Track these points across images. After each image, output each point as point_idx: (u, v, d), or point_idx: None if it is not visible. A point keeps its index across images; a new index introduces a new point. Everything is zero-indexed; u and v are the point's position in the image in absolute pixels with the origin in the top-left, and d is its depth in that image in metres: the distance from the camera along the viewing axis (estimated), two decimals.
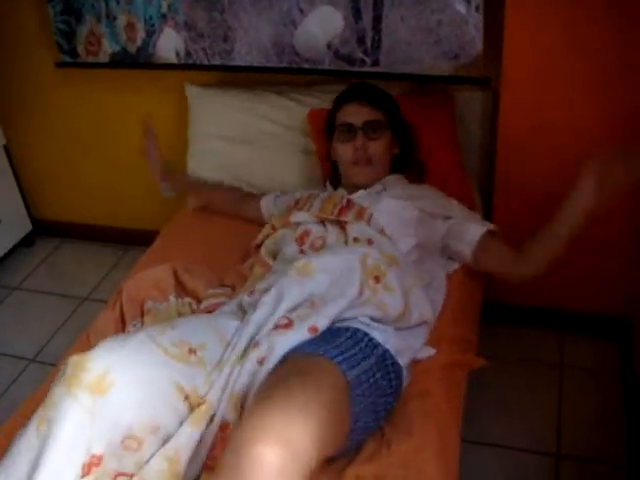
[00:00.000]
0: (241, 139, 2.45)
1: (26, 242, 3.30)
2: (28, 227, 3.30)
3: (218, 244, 2.24)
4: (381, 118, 1.99)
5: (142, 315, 1.90)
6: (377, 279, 1.68)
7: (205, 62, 2.44)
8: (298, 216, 1.96)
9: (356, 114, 1.98)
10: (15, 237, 3.22)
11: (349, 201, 1.93)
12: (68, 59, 2.68)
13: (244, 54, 2.37)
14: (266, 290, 1.65)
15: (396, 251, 1.80)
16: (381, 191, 1.99)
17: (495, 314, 2.32)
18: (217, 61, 2.42)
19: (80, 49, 2.63)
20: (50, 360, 2.60)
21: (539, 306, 2.45)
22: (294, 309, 1.59)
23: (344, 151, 2.00)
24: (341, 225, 1.89)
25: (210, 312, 1.77)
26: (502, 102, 2.11)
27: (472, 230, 1.87)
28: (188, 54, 2.46)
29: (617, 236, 2.23)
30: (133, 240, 3.16)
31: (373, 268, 1.69)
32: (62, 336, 2.74)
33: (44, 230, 3.36)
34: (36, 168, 3.21)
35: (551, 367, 2.37)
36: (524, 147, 2.13)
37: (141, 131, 2.76)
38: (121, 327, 1.89)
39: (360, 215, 1.87)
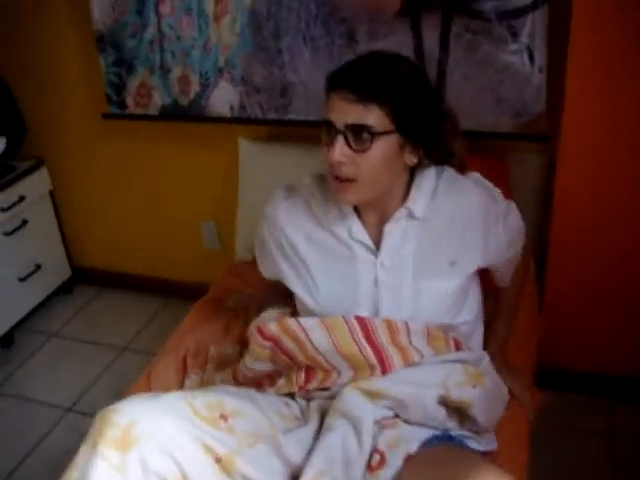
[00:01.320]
0: None
1: (65, 289, 3.28)
2: (68, 274, 3.29)
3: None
4: (375, 121, 1.39)
5: (205, 364, 1.90)
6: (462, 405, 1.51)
7: (260, 116, 2.44)
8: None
9: (338, 110, 1.42)
10: (54, 283, 3.21)
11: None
12: (116, 110, 2.67)
13: (301, 109, 2.36)
14: (329, 410, 1.49)
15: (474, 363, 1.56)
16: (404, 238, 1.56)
17: (545, 378, 2.28)
18: (273, 115, 2.42)
19: (129, 101, 2.63)
20: (87, 410, 2.57)
21: (589, 371, 2.40)
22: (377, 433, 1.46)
23: (327, 156, 1.46)
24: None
25: (256, 384, 1.67)
26: (560, 166, 2.10)
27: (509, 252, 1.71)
28: (242, 108, 2.45)
29: None
30: (173, 291, 3.14)
31: (456, 401, 1.49)
32: (99, 386, 2.71)
33: (83, 277, 3.34)
34: (79, 216, 3.21)
35: (603, 435, 2.31)
36: (583, 219, 2.11)
37: (187, 186, 2.79)
38: (182, 374, 1.89)
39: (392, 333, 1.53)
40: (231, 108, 2.47)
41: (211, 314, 2.15)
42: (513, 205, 1.70)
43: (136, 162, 2.91)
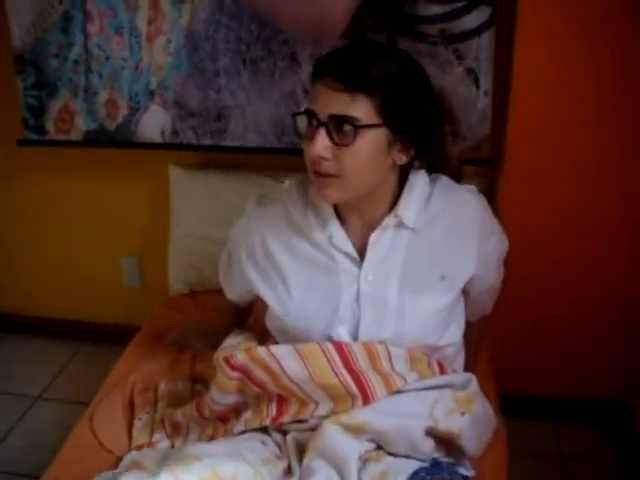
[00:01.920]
0: (226, 223, 2.32)
1: None
2: None
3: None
4: (361, 112, 1.26)
5: (156, 401, 1.74)
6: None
7: (194, 142, 2.33)
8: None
9: (322, 99, 1.29)
10: None
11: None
12: (34, 136, 2.48)
13: (238, 134, 2.27)
14: (307, 449, 1.37)
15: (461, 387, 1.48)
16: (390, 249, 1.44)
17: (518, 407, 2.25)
18: (207, 141, 2.31)
19: (49, 125, 2.45)
20: (2, 468, 2.32)
21: (532, 395, 2.41)
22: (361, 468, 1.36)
23: (305, 150, 1.35)
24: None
25: (223, 417, 1.53)
26: (502, 191, 2.13)
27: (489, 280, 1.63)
28: (175, 133, 2.34)
29: (608, 323, 2.25)
30: (87, 334, 2.93)
31: (445, 431, 1.40)
32: (13, 439, 2.46)
33: None
34: None
35: (550, 457, 2.31)
36: (526, 244, 2.08)
37: (110, 218, 2.62)
38: (130, 415, 1.72)
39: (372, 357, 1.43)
40: (162, 133, 2.35)
41: (152, 349, 1.99)
42: (501, 227, 1.62)
43: (54, 193, 2.72)
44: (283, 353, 1.39)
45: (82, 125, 2.43)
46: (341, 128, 1.27)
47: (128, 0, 2.22)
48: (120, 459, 1.56)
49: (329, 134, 1.28)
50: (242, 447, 1.38)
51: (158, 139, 2.37)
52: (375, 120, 1.28)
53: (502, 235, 1.60)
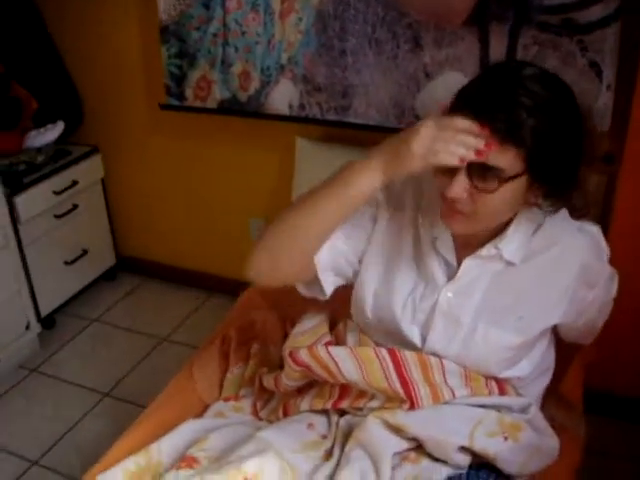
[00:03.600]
0: None
1: (109, 276, 3.30)
2: (112, 261, 3.31)
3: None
4: (508, 163, 1.18)
5: (248, 359, 1.88)
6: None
7: (318, 116, 2.42)
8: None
9: None
10: (99, 270, 3.24)
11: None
12: (175, 102, 2.68)
13: (361, 112, 2.34)
14: (350, 437, 1.44)
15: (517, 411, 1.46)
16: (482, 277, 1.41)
17: (600, 405, 2.21)
18: (331, 116, 2.40)
19: (188, 93, 2.63)
20: (124, 396, 2.61)
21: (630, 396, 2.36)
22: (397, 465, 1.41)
23: (439, 183, 1.28)
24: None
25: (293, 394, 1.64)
26: (621, 187, 2.06)
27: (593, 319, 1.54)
28: (301, 107, 2.44)
29: None
30: (216, 286, 3.15)
31: (480, 451, 1.38)
32: (137, 374, 2.74)
33: (127, 266, 3.37)
34: (128, 205, 3.23)
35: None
36: None
37: (240, 181, 2.78)
38: (224, 367, 1.88)
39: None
40: (290, 106, 2.46)
41: (255, 308, 2.14)
42: (616, 276, 1.51)
43: (189, 154, 2.92)
44: (341, 355, 1.46)
45: (217, 94, 2.58)
46: (484, 174, 1.21)
47: None
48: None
49: (470, 178, 1.22)
50: (283, 434, 1.47)
51: (286, 111, 2.48)
52: (519, 169, 1.21)
53: (611, 284, 1.51)
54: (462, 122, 1.18)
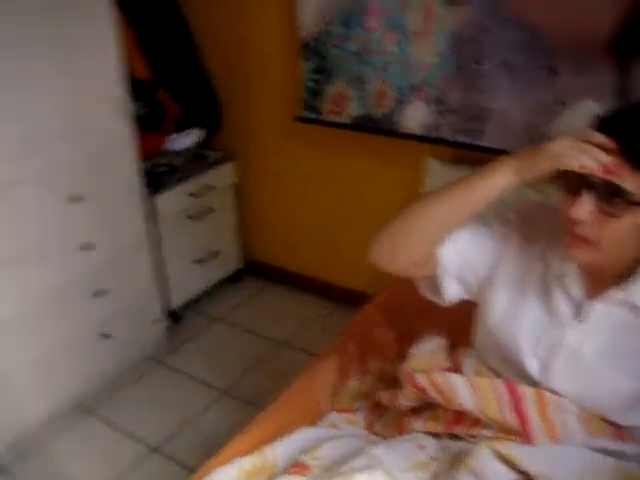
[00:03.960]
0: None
1: (235, 278, 3.44)
2: (239, 264, 3.45)
3: (436, 319, 2.07)
4: (638, 188, 1.16)
5: (366, 373, 1.93)
6: None
7: (450, 138, 2.44)
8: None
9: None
10: (226, 271, 3.38)
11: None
12: (310, 115, 2.78)
13: (493, 136, 2.34)
14: (461, 462, 1.43)
15: None
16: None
17: None
18: (463, 138, 2.42)
19: (324, 107, 2.72)
20: (240, 396, 2.70)
21: None
22: None
23: (565, 205, 1.26)
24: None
25: (408, 414, 1.65)
26: None
27: None
28: (434, 127, 2.47)
29: None
30: (338, 297, 3.21)
31: None
32: (255, 374, 2.83)
33: (253, 270, 3.49)
34: (258, 211, 3.35)
35: None
36: None
37: (368, 196, 2.82)
38: (342, 378, 1.93)
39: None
40: (422, 126, 2.50)
41: (375, 324, 2.18)
42: None
43: (321, 166, 3.00)
44: (458, 383, 1.48)
45: (352, 110, 2.65)
46: (611, 197, 1.19)
47: (403, 1, 2.36)
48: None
49: (598, 198, 1.20)
50: (394, 452, 1.50)
51: (418, 131, 2.52)
52: None
53: None
54: (598, 136, 1.18)
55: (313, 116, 2.77)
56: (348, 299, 3.08)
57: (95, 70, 2.41)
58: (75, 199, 2.42)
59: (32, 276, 2.36)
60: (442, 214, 1.40)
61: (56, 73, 2.28)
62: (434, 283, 1.53)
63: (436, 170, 2.52)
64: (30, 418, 2.50)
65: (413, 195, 2.64)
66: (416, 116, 2.49)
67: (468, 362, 1.60)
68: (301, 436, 1.63)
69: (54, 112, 2.31)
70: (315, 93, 2.72)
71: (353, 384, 1.91)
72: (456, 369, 1.62)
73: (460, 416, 1.53)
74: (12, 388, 2.40)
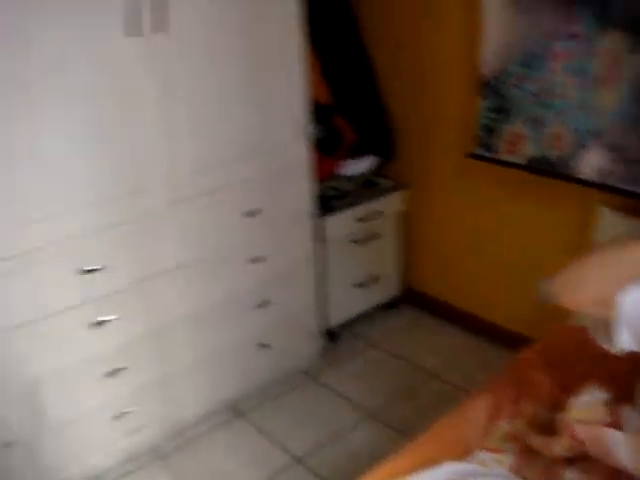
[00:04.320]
0: None
1: (391, 304, 3.50)
2: (397, 291, 3.51)
3: (598, 371, 1.98)
4: None
5: (517, 416, 1.90)
6: None
7: (627, 188, 2.37)
8: None
9: None
10: (384, 297, 3.46)
11: None
12: (484, 153, 2.80)
13: None
14: None
15: None
16: None
17: None
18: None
19: (498, 146, 2.73)
20: (386, 420, 2.75)
21: None
22: None
23: None
24: None
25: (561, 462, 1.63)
26: None
27: None
28: (610, 175, 2.41)
29: None
30: (494, 335, 3.18)
31: None
32: (401, 401, 2.88)
33: (411, 299, 3.54)
34: (422, 241, 3.40)
35: None
36: None
37: (536, 238, 2.80)
38: (493, 418, 1.91)
39: None
40: (598, 173, 2.44)
41: (533, 368, 2.15)
42: None
43: (489, 203, 3.01)
44: (617, 440, 1.46)
45: (528, 151, 2.64)
46: None
47: (588, 46, 2.33)
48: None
49: None
50: None
51: (593, 178, 2.47)
52: None
53: None
54: None
55: (487, 154, 2.79)
56: (504, 338, 3.05)
57: (281, 92, 2.57)
58: (251, 214, 2.59)
59: (207, 281, 2.56)
60: (626, 262, 1.35)
61: (244, 94, 2.46)
62: (608, 327, 1.47)
63: (609, 220, 2.45)
64: (188, 412, 2.70)
65: (583, 243, 2.60)
66: (592, 162, 2.45)
67: (630, 419, 1.56)
68: (447, 469, 1.66)
69: (239, 130, 2.49)
70: (491, 131, 2.74)
71: (504, 425, 1.90)
72: (617, 425, 1.59)
73: (617, 473, 1.51)
74: (177, 382, 2.60)
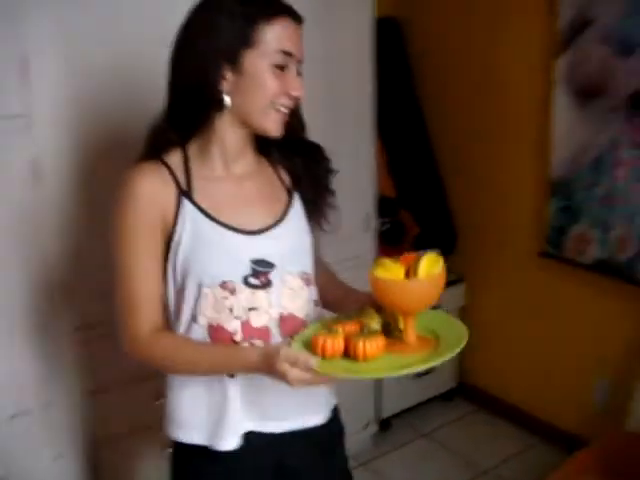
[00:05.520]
0: None
1: (447, 397, 3.49)
2: (453, 384, 3.51)
3: None
4: None
5: None
6: None
7: None
8: None
9: None
10: (440, 389, 3.45)
11: None
12: (553, 251, 2.86)
13: None
14: None
15: None
16: None
17: None
18: None
19: (566, 245, 2.79)
20: None
21: None
22: None
23: None
24: None
25: None
26: None
27: None
28: None
29: None
30: (548, 434, 3.13)
31: None
32: None
33: (466, 392, 3.52)
34: (479, 335, 3.26)
35: None
36: None
37: (592, 337, 2.81)
38: None
39: None
40: None
41: (587, 473, 2.12)
42: None
43: (550, 300, 3.02)
44: None
45: (594, 252, 2.69)
46: None
47: None
48: None
49: None
50: None
51: None
52: None
53: None
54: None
55: (555, 252, 2.85)
56: (558, 438, 3.03)
57: (351, 185, 2.62)
58: None
59: None
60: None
61: None
62: None
63: None
64: None
65: None
66: None
67: None
68: None
69: None
70: (560, 231, 2.81)
71: None
72: None
73: None
74: None
